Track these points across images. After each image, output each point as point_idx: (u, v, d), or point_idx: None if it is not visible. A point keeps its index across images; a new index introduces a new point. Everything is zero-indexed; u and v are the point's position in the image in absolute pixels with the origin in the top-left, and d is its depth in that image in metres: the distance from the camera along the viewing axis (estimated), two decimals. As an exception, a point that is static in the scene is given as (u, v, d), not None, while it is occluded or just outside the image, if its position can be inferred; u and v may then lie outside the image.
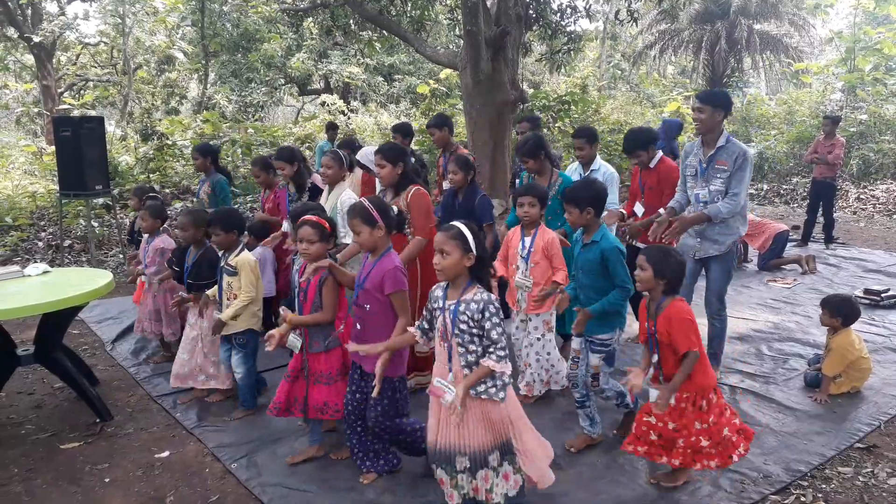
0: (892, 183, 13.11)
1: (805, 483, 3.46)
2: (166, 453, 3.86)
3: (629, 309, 4.60)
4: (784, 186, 14.16)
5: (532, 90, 15.60)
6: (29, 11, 18.47)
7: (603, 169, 5.30)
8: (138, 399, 4.65)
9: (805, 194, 12.96)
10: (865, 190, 13.19)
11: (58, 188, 8.55)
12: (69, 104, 18.02)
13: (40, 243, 9.43)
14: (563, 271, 4.13)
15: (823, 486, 3.44)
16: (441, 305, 2.90)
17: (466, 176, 4.89)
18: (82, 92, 21.61)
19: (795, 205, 13.18)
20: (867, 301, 6.32)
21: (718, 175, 4.37)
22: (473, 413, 2.85)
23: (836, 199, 9.89)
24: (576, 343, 3.74)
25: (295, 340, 3.58)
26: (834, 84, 17.35)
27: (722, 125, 4.43)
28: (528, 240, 4.22)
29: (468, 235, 2.82)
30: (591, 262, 3.58)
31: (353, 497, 3.36)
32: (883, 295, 6.37)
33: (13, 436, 4.13)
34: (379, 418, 3.28)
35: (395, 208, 3.48)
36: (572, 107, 13.60)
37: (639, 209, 5.20)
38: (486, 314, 2.75)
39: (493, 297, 2.83)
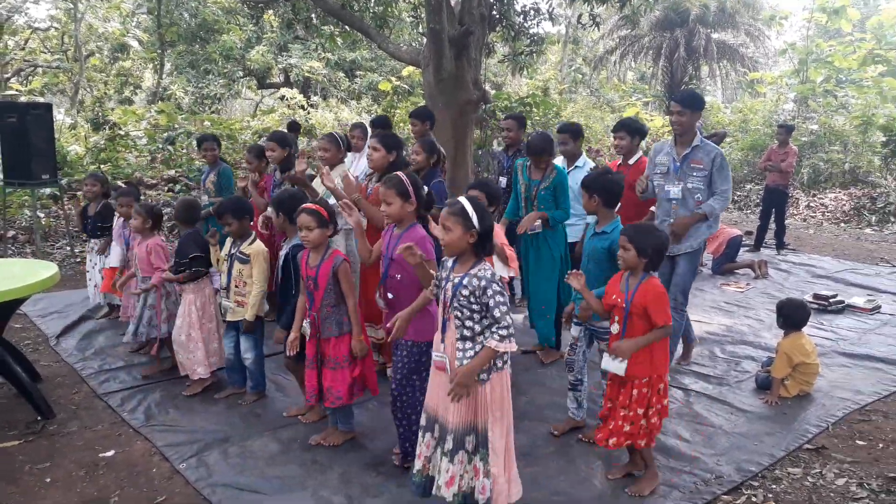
0: (840, 192, 13.51)
1: (756, 483, 3.51)
2: (111, 452, 3.72)
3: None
4: (738, 193, 14.48)
5: (494, 91, 15.63)
6: (-25, -8, 17.77)
7: (587, 166, 5.35)
8: (83, 396, 4.47)
9: (758, 201, 13.27)
10: (815, 198, 13.58)
11: (1, 176, 8.23)
12: (16, 90, 17.37)
13: (-18, 233, 9.06)
14: (514, 262, 4.14)
15: (774, 486, 3.49)
16: (447, 276, 2.90)
17: (429, 158, 4.83)
18: (30, 78, 20.85)
19: (749, 211, 13.50)
20: (816, 306, 6.48)
21: (694, 174, 4.51)
22: None
23: (787, 207, 10.14)
24: (575, 331, 3.83)
25: (305, 326, 3.66)
26: (787, 94, 17.81)
27: (696, 126, 4.58)
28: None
29: (470, 211, 2.80)
30: (598, 250, 3.70)
31: (306, 496, 3.29)
32: (831, 300, 6.54)
33: (-53, 433, 3.94)
34: (402, 382, 3.30)
35: (426, 187, 3.56)
36: (534, 109, 13.67)
37: None
38: (490, 291, 2.74)
39: (498, 276, 2.84)
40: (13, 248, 8.66)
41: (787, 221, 9.74)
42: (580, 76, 25.54)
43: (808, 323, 4.76)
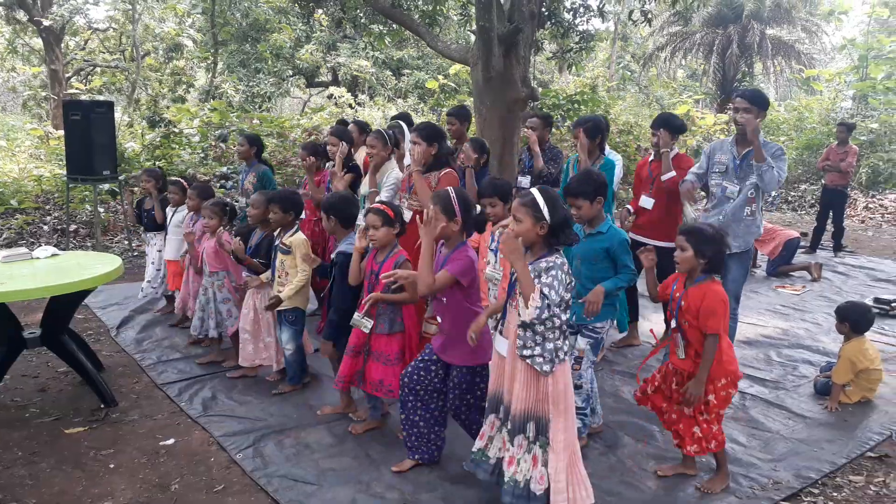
0: (901, 193, 13.05)
1: (816, 491, 3.42)
2: (171, 441, 3.83)
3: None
4: (792, 193, 14.10)
5: (541, 89, 15.53)
6: (39, -6, 18.41)
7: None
8: (143, 386, 4.61)
9: (813, 201, 12.91)
10: (874, 199, 13.14)
11: (65, 172, 8.52)
12: (77, 89, 17.95)
13: (45, 227, 9.40)
14: None
15: (835, 493, 3.40)
16: None
17: (480, 158, 4.96)
18: (90, 77, 21.54)
19: (803, 212, 13.13)
20: (877, 310, 6.26)
21: (755, 171, 4.43)
22: (524, 373, 2.82)
23: (846, 208, 9.83)
24: (581, 342, 3.66)
25: (364, 321, 3.61)
26: (845, 92, 17.26)
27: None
28: (497, 232, 4.01)
29: (541, 202, 2.76)
30: (595, 251, 3.54)
31: (360, 489, 3.32)
32: (893, 304, 6.32)
33: (17, 418, 4.10)
34: (457, 403, 3.31)
35: (478, 207, 3.44)
36: (582, 106, 13.54)
37: (647, 202, 5.06)
38: (549, 274, 2.70)
39: (566, 265, 2.78)
40: (74, 241, 8.97)
41: (845, 223, 9.44)
42: (629, 74, 25.18)
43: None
